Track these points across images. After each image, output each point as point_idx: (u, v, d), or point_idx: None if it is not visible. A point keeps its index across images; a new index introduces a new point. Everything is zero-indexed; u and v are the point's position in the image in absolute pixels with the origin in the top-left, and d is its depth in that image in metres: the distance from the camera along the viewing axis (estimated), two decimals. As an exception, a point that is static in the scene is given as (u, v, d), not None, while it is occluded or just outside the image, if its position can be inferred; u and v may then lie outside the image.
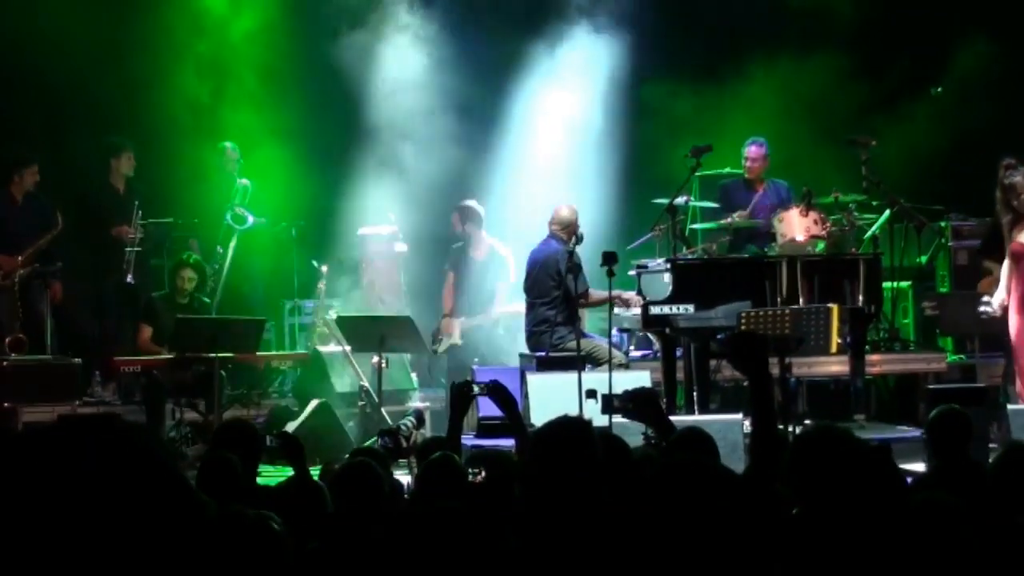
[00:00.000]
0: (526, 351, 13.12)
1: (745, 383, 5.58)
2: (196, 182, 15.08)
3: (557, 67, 15.53)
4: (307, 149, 15.13)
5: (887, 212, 14.36)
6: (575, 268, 12.59)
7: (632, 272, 12.76)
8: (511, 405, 6.62)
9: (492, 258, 14.17)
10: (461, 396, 6.98)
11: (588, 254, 12.63)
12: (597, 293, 13.04)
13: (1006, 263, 12.05)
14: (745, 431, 9.83)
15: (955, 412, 7.75)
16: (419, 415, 10.06)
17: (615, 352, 12.68)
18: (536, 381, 11.93)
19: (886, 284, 13.73)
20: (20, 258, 13.79)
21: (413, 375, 14.27)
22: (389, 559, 4.45)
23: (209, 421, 12.53)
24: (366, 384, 13.02)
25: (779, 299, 12.13)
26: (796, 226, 12.99)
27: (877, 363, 13.81)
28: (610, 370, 11.02)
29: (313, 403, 12.84)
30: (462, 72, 15.45)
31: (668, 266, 12.35)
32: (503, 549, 4.58)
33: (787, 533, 4.44)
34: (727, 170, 14.79)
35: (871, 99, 15.89)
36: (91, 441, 2.19)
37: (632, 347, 14.19)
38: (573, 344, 12.25)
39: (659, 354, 12.88)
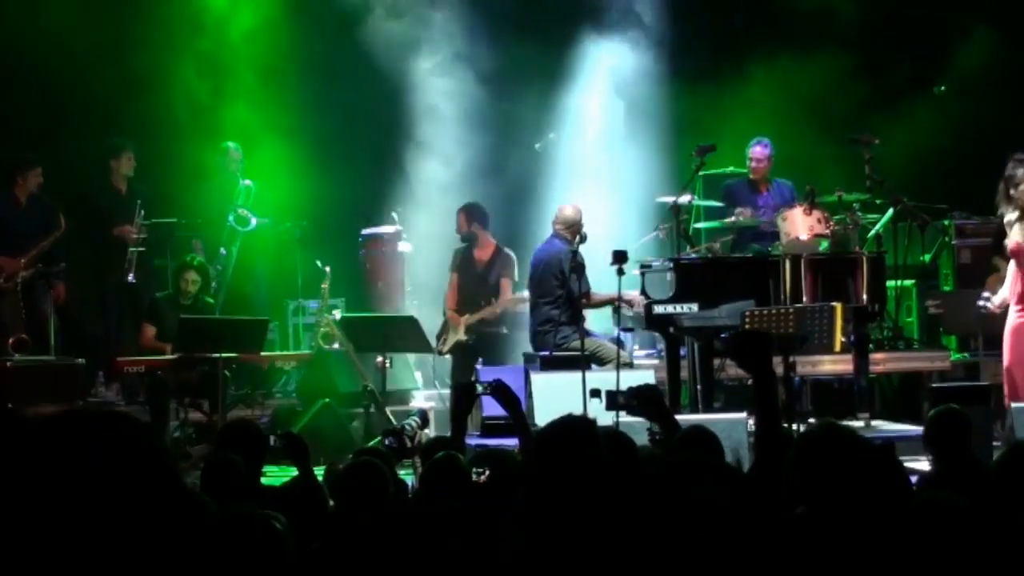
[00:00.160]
0: (530, 350, 13.12)
1: (749, 382, 5.58)
2: (198, 182, 15.08)
3: (562, 68, 15.55)
4: (310, 147, 15.12)
5: (890, 211, 14.35)
6: (578, 268, 12.59)
7: (636, 271, 12.76)
8: (515, 405, 6.62)
9: (497, 258, 14.15)
10: (465, 396, 6.99)
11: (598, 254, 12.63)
12: (599, 294, 13.04)
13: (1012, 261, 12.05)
14: (749, 430, 9.83)
15: (953, 412, 7.75)
16: (423, 415, 10.07)
17: (620, 351, 12.68)
18: (540, 380, 11.93)
19: (890, 283, 13.71)
20: (23, 260, 13.79)
21: (417, 375, 14.27)
22: (393, 559, 4.45)
23: (213, 421, 12.53)
24: (370, 384, 13.02)
25: (783, 298, 12.12)
26: (800, 225, 12.98)
27: (881, 362, 13.80)
28: (618, 368, 11.02)
29: (317, 403, 12.85)
30: (468, 73, 15.46)
31: (671, 265, 12.35)
32: (507, 549, 4.59)
33: (791, 532, 4.44)
34: (730, 169, 14.78)
35: (874, 98, 15.88)
36: (92, 436, 2.19)
37: (636, 346, 14.18)
38: (577, 344, 12.24)
39: (663, 353, 12.88)
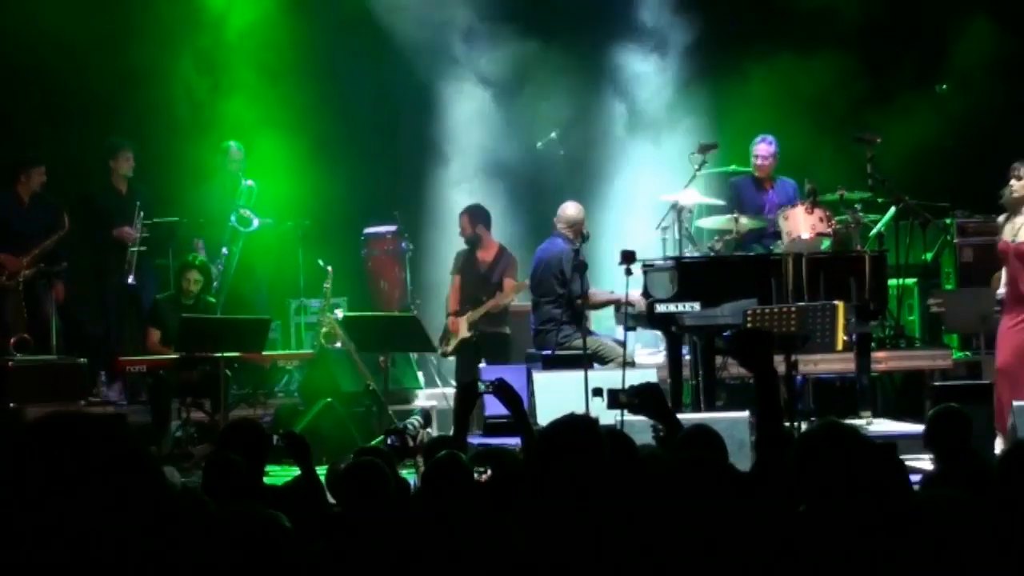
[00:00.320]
0: (532, 349, 13.13)
1: (751, 380, 5.57)
2: (199, 181, 15.08)
3: (563, 67, 15.56)
4: (311, 146, 15.11)
5: (892, 209, 14.35)
6: (580, 267, 12.59)
7: (638, 270, 12.75)
8: (517, 403, 6.62)
9: (500, 258, 14.14)
10: (467, 395, 6.99)
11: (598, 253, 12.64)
12: (599, 294, 13.03)
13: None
14: (752, 428, 9.83)
15: (953, 411, 7.77)
16: (425, 414, 10.05)
17: (621, 350, 12.67)
18: (542, 379, 11.94)
19: (892, 281, 13.71)
20: (25, 259, 13.80)
21: (419, 374, 14.27)
22: (395, 558, 4.46)
23: (215, 421, 12.55)
24: (372, 383, 13.02)
25: (785, 297, 12.12)
26: (801, 223, 12.99)
27: (883, 360, 13.80)
28: (624, 367, 11.02)
29: (319, 403, 12.85)
30: (472, 71, 15.48)
31: (674, 264, 12.34)
32: (509, 548, 4.59)
33: (793, 530, 4.44)
34: (733, 168, 14.78)
35: (876, 96, 15.87)
36: (69, 438, 2.19)
37: (639, 345, 14.18)
38: (579, 342, 12.25)
39: (665, 352, 12.88)
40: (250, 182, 14.76)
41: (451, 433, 7.32)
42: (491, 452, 6.66)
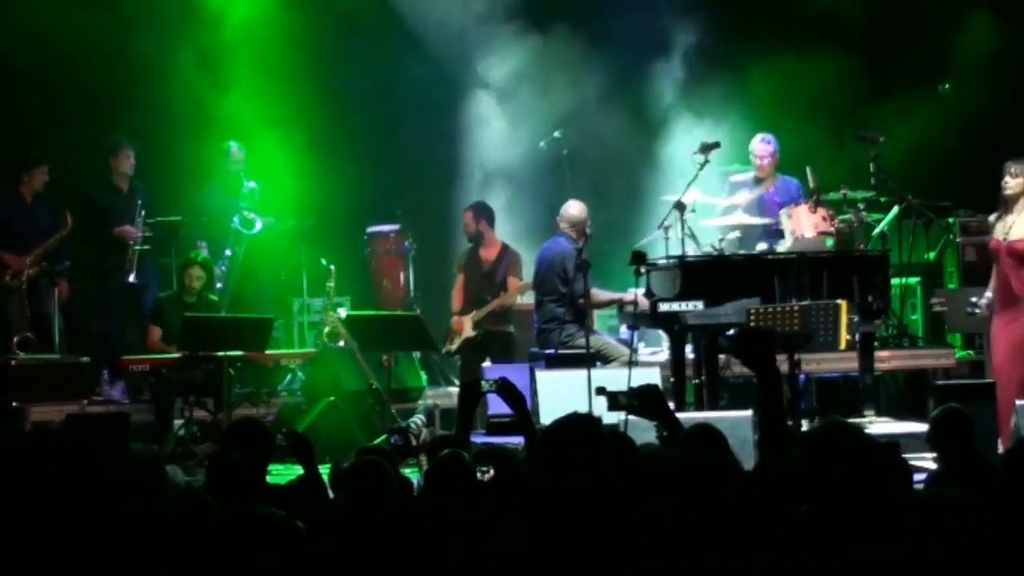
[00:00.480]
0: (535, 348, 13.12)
1: (754, 379, 5.57)
2: (201, 180, 15.05)
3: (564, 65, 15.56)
4: (313, 145, 15.09)
5: (895, 208, 14.34)
6: (584, 266, 12.57)
7: (634, 269, 12.73)
8: (520, 402, 6.62)
9: (503, 257, 14.14)
10: (470, 394, 6.99)
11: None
12: (601, 294, 13.01)
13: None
14: (755, 427, 9.82)
15: (955, 411, 7.80)
16: (429, 413, 10.09)
17: (624, 349, 12.67)
18: (545, 378, 11.92)
19: (895, 280, 13.71)
20: (28, 259, 13.80)
21: (423, 373, 14.26)
22: (397, 557, 4.46)
23: (218, 420, 12.55)
24: (375, 382, 13.02)
25: (788, 296, 12.11)
26: (805, 222, 12.98)
27: (886, 359, 13.80)
28: (630, 367, 11.02)
29: (322, 402, 12.85)
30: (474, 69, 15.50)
31: (676, 263, 12.34)
32: (511, 547, 4.59)
33: (796, 529, 4.44)
34: (736, 167, 14.76)
35: (879, 95, 15.86)
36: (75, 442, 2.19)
37: (642, 344, 14.17)
38: (582, 341, 12.24)
39: (668, 351, 12.87)
40: (252, 183, 14.73)
41: (454, 432, 7.31)
42: (492, 451, 6.66)
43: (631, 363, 11.41)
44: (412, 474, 8.27)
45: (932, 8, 16.46)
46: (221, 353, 12.55)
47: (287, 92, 15.18)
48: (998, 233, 11.66)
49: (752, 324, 11.21)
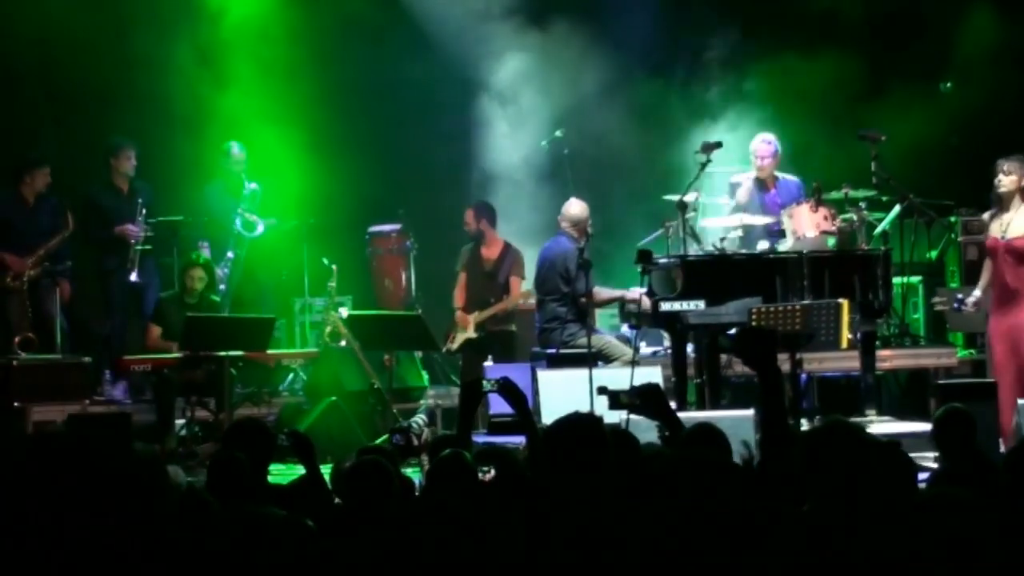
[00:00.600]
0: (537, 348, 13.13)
1: (756, 379, 5.57)
2: (202, 180, 15.03)
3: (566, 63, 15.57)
4: (315, 144, 15.08)
5: (897, 207, 14.33)
6: (586, 266, 12.57)
7: (639, 268, 12.73)
8: (521, 402, 6.61)
9: (505, 256, 14.14)
10: (472, 393, 6.98)
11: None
12: (603, 292, 13.00)
13: (987, 259, 12.07)
14: (756, 427, 9.82)
15: (958, 411, 7.82)
16: (430, 413, 10.08)
17: (626, 348, 12.67)
18: (547, 378, 11.92)
19: (896, 279, 13.71)
20: (30, 260, 13.79)
21: (424, 373, 14.26)
22: (398, 556, 4.45)
23: (220, 419, 12.55)
24: (377, 382, 13.02)
25: (790, 295, 12.12)
26: (806, 222, 12.98)
27: (887, 358, 13.80)
28: (633, 365, 11.02)
29: (324, 402, 12.84)
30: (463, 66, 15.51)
31: (678, 262, 12.33)
32: (513, 546, 4.59)
33: (798, 528, 4.43)
34: (737, 167, 14.75)
35: (880, 94, 15.85)
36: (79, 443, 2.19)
37: (644, 343, 14.16)
38: (583, 341, 12.23)
39: (670, 350, 12.87)
40: (254, 185, 14.71)
41: (455, 431, 7.31)
42: (493, 451, 6.66)
43: (633, 362, 11.41)
44: (414, 474, 8.26)
45: (933, 5, 16.46)
46: (223, 353, 12.55)
47: (287, 91, 15.18)
48: (995, 231, 11.67)
49: (753, 323, 11.22)
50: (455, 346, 14.01)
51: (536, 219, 14.80)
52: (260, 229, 14.69)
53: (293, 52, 15.27)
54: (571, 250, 12.81)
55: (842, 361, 13.34)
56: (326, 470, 7.54)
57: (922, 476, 7.69)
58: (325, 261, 14.56)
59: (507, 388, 6.61)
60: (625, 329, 13.67)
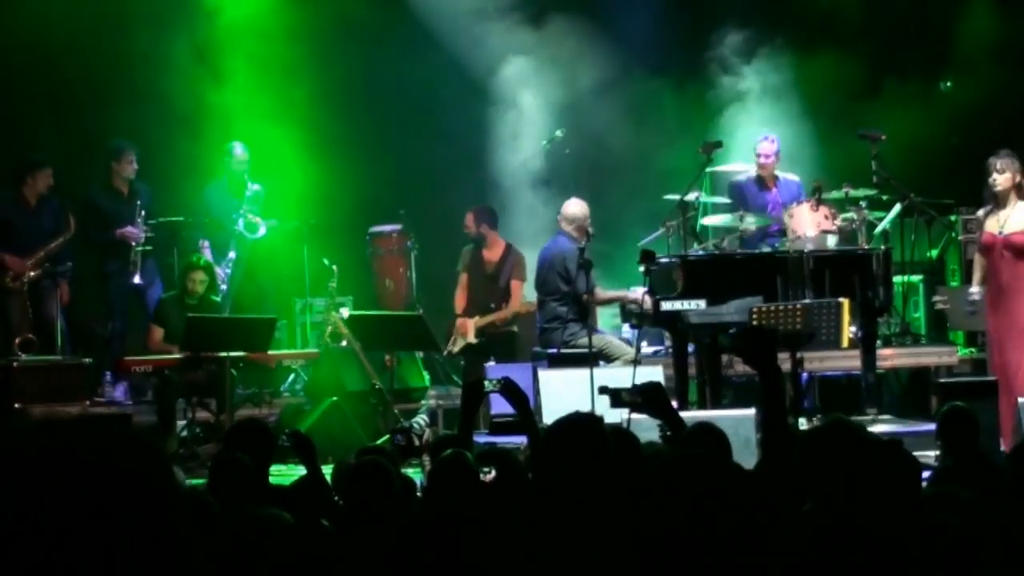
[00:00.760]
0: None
1: (757, 378, 5.57)
2: (204, 180, 15.02)
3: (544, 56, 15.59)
4: (316, 144, 15.07)
5: (898, 206, 14.34)
6: (586, 265, 12.57)
7: (642, 268, 12.73)
8: (523, 402, 6.61)
9: (507, 258, 14.14)
10: (473, 393, 6.99)
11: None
12: (604, 292, 13.01)
13: (977, 256, 12.09)
14: (757, 426, 9.83)
15: (962, 410, 7.84)
16: (432, 413, 10.07)
17: (627, 348, 12.67)
18: (548, 378, 11.92)
19: (897, 278, 13.72)
20: (30, 262, 13.79)
21: (426, 373, 14.26)
22: (399, 556, 4.45)
23: (221, 420, 12.54)
24: (378, 382, 13.02)
25: (790, 294, 12.12)
26: (807, 221, 12.99)
27: (888, 357, 13.81)
28: (635, 364, 11.02)
29: (325, 402, 12.84)
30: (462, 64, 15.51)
31: (679, 262, 12.34)
32: (514, 546, 4.58)
33: (799, 528, 4.43)
34: (739, 165, 14.75)
35: (880, 93, 15.86)
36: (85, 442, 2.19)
37: (645, 343, 14.16)
38: (585, 340, 12.23)
39: (671, 350, 12.87)
40: (257, 186, 14.71)
41: (456, 432, 7.31)
42: (494, 452, 6.66)
43: (636, 361, 11.41)
44: (415, 474, 8.25)
45: (932, 3, 16.46)
46: (223, 354, 12.54)
47: (288, 91, 15.17)
48: (991, 228, 11.68)
49: (754, 322, 11.23)
50: (456, 349, 14.01)
51: (537, 219, 14.80)
52: (262, 231, 14.68)
53: (293, 52, 15.26)
54: (570, 250, 12.80)
55: (843, 360, 13.34)
56: (327, 471, 7.55)
57: (924, 475, 7.70)
58: (326, 261, 14.55)
59: (509, 388, 6.61)
60: (627, 330, 13.67)
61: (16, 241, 13.88)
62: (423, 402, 13.76)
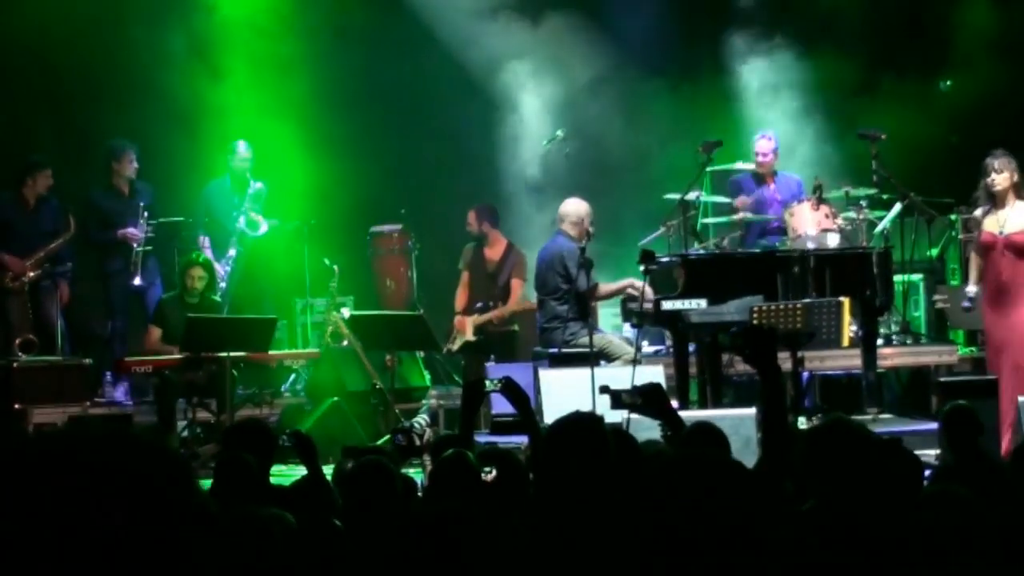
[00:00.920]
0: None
1: (757, 377, 5.58)
2: (204, 177, 15.02)
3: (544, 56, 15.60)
4: (316, 144, 15.07)
5: (898, 205, 14.34)
6: (587, 264, 12.57)
7: (642, 267, 12.73)
8: (524, 402, 6.61)
9: (508, 257, 14.15)
10: (474, 393, 6.99)
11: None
12: (606, 286, 13.00)
13: (973, 256, 12.09)
14: (758, 425, 9.83)
15: (965, 409, 7.86)
16: (432, 413, 10.05)
17: (628, 347, 12.67)
18: (549, 377, 11.92)
19: (897, 277, 13.72)
20: (29, 262, 13.79)
21: (427, 373, 14.26)
22: (400, 557, 4.45)
23: (221, 421, 12.54)
24: (379, 382, 13.02)
25: (791, 293, 12.12)
26: (807, 220, 12.99)
27: (889, 356, 13.81)
28: (635, 364, 11.02)
29: (326, 402, 12.85)
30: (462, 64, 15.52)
31: (679, 261, 12.34)
32: (515, 546, 4.59)
33: (799, 528, 4.44)
34: (739, 164, 14.76)
35: (879, 93, 15.86)
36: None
37: (646, 343, 14.16)
38: (585, 340, 12.23)
39: (671, 349, 12.87)
40: (260, 184, 14.70)
41: (457, 431, 7.31)
42: (495, 452, 6.66)
43: (635, 361, 11.41)
44: (416, 475, 8.26)
45: (931, 2, 16.47)
46: (224, 354, 12.54)
47: (288, 91, 15.16)
48: (991, 227, 11.67)
49: (755, 322, 11.23)
50: (455, 348, 14.02)
51: (538, 219, 14.80)
52: (264, 228, 14.67)
53: (294, 51, 15.26)
54: (569, 249, 12.77)
55: (843, 359, 13.34)
56: (327, 471, 7.54)
57: (924, 473, 7.72)
58: (326, 261, 14.54)
59: (509, 388, 6.61)
60: (627, 330, 13.67)
61: (15, 242, 13.88)
62: (424, 402, 13.75)
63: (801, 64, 15.49)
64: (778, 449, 5.15)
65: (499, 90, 15.58)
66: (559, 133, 15.37)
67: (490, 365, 13.29)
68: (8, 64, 15.02)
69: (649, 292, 12.13)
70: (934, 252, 15.21)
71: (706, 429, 6.57)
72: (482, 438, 10.94)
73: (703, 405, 11.97)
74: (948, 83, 16.21)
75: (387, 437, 10.89)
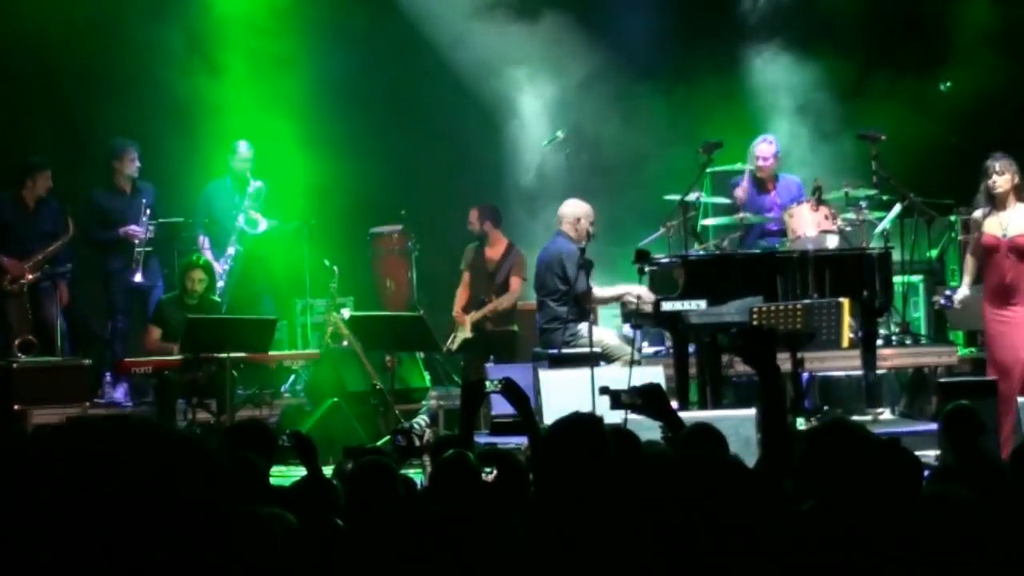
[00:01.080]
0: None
1: (757, 378, 5.58)
2: (205, 176, 15.02)
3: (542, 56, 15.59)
4: (316, 145, 15.07)
5: (898, 206, 14.34)
6: (586, 265, 12.57)
7: (638, 267, 12.73)
8: (524, 402, 6.62)
9: (508, 256, 14.16)
10: (474, 394, 6.99)
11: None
12: (601, 291, 12.99)
13: (969, 258, 12.09)
14: (758, 426, 9.83)
15: (966, 409, 7.87)
16: (432, 414, 10.05)
17: (627, 348, 12.67)
18: (549, 378, 11.92)
19: (897, 278, 13.73)
20: (28, 264, 13.78)
21: (427, 374, 14.27)
22: (401, 557, 4.46)
23: (221, 421, 12.54)
24: (379, 383, 13.02)
25: (791, 294, 12.13)
26: (807, 221, 12.99)
27: (888, 357, 13.80)
28: (631, 365, 11.02)
29: (326, 403, 12.85)
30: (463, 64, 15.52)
31: (679, 262, 12.34)
32: (515, 546, 4.59)
33: (799, 528, 4.44)
34: (738, 166, 14.76)
35: (878, 93, 15.85)
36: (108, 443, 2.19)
37: (646, 343, 14.17)
38: (585, 341, 12.23)
39: (671, 350, 12.87)
40: (260, 183, 14.70)
41: (457, 432, 7.31)
42: (495, 452, 6.67)
43: (632, 362, 11.41)
44: (416, 475, 8.26)
45: (931, 1, 16.48)
46: (224, 355, 12.53)
47: (288, 91, 15.16)
48: (993, 229, 11.68)
49: (755, 323, 11.23)
50: (455, 346, 14.02)
51: (538, 219, 14.81)
52: (263, 227, 14.66)
53: (293, 49, 15.26)
54: (567, 250, 12.77)
55: (843, 360, 13.34)
56: (327, 471, 7.55)
57: (924, 474, 7.72)
58: (326, 262, 14.53)
59: (509, 388, 6.62)
60: (627, 329, 13.67)
61: (15, 244, 13.87)
62: (424, 403, 13.76)
63: (800, 64, 15.49)
64: (778, 449, 5.15)
65: (499, 91, 15.58)
66: (559, 134, 15.37)
67: (490, 366, 13.29)
68: (7, 64, 15.02)
69: (647, 293, 12.12)
70: (934, 253, 15.21)
71: (705, 430, 6.57)
72: (482, 439, 10.96)
73: (703, 406, 11.97)
74: (948, 84, 16.20)
75: (387, 438, 10.89)
